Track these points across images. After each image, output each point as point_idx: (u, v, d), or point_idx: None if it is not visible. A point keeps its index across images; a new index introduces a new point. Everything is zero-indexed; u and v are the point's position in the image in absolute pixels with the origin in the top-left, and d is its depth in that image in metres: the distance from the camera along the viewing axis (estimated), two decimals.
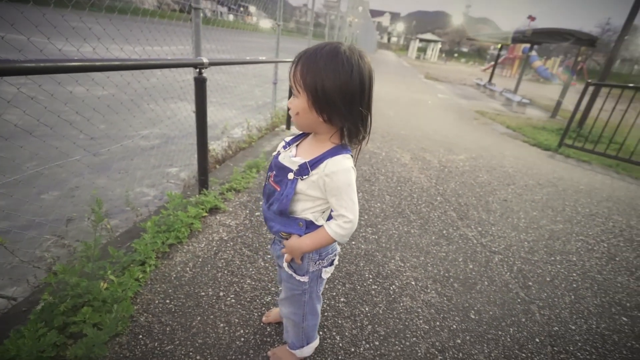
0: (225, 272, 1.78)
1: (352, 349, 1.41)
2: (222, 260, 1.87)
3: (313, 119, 0.93)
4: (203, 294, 1.62)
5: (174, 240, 1.90)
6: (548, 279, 2.00)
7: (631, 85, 5.59)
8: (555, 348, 1.52)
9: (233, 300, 1.60)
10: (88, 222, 2.35)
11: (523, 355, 1.47)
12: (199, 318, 1.48)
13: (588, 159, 5.69)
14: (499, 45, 18.14)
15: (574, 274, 2.08)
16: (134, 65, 1.74)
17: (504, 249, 2.28)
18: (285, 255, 1.08)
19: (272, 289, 1.70)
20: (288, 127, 4.90)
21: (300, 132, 1.10)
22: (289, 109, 0.99)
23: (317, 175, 0.94)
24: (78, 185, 2.67)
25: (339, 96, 0.87)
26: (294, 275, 1.11)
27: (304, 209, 1.01)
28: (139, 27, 2.61)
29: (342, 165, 0.93)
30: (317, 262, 1.10)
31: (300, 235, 1.03)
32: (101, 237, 1.54)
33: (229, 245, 2.01)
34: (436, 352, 1.43)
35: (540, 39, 10.52)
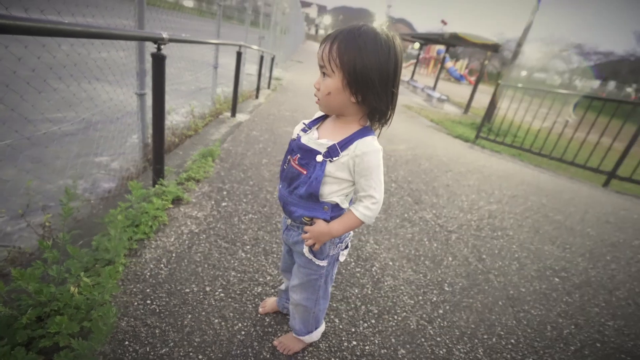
0: (205, 266, 1.67)
1: (353, 329, 1.45)
2: (199, 254, 1.73)
3: (345, 100, 0.92)
4: (187, 290, 1.49)
5: (142, 236, 1.70)
6: (496, 252, 2.30)
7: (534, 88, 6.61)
8: (515, 308, 1.77)
9: (222, 294, 1.50)
10: (6, 221, 1.97)
11: (493, 317, 1.68)
12: (189, 316, 1.36)
13: (499, 150, 6.59)
14: (418, 45, 19.70)
15: (514, 246, 2.43)
16: (83, 32, 1.47)
17: (457, 228, 2.54)
18: (308, 241, 1.05)
19: (260, 279, 1.65)
20: (233, 115, 4.67)
21: (320, 115, 1.08)
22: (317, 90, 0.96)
23: (347, 156, 0.94)
24: None
25: (376, 76, 0.87)
26: (314, 260, 1.10)
27: (330, 192, 1.00)
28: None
29: (373, 146, 0.94)
30: (337, 246, 1.11)
31: (327, 220, 1.02)
32: (67, 235, 1.30)
33: (202, 237, 1.87)
34: (425, 323, 1.56)
35: (456, 42, 11.72)
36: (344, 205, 1.04)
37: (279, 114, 5.30)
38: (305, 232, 1.05)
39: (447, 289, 1.83)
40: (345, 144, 0.95)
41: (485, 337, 1.54)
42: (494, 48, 11.17)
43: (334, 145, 0.95)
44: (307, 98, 7.50)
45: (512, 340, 1.55)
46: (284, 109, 5.80)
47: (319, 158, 0.96)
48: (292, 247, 1.15)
